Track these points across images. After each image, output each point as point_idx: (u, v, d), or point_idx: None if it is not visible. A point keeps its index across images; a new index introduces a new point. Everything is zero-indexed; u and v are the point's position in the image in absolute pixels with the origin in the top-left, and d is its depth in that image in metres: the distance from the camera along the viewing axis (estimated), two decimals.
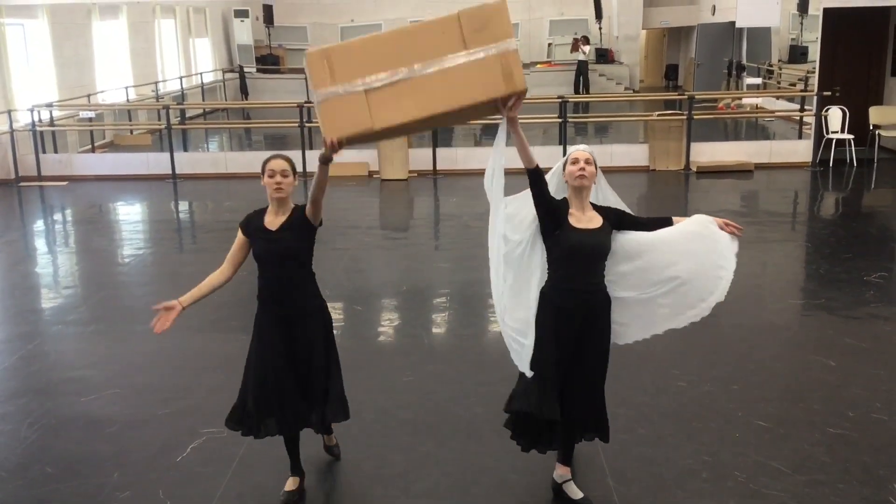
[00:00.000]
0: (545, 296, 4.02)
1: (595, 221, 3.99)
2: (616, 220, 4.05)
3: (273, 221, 4.09)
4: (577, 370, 4.03)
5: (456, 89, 3.54)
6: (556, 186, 4.10)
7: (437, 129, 13.34)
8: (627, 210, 4.14)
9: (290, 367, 4.13)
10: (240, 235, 4.15)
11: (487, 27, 3.53)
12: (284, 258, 4.05)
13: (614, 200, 4.17)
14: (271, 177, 4.01)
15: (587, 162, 3.95)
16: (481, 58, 3.53)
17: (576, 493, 4.23)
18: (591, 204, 4.05)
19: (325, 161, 3.75)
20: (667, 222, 4.12)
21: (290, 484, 4.34)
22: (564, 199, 4.03)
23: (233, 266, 4.17)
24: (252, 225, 4.13)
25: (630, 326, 4.15)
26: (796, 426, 4.91)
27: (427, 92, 3.52)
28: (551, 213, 3.97)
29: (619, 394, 5.30)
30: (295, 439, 4.32)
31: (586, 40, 22.03)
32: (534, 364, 3.95)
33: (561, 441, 4.18)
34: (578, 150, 4.02)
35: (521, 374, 4.04)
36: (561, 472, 4.27)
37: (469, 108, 3.67)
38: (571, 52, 22.35)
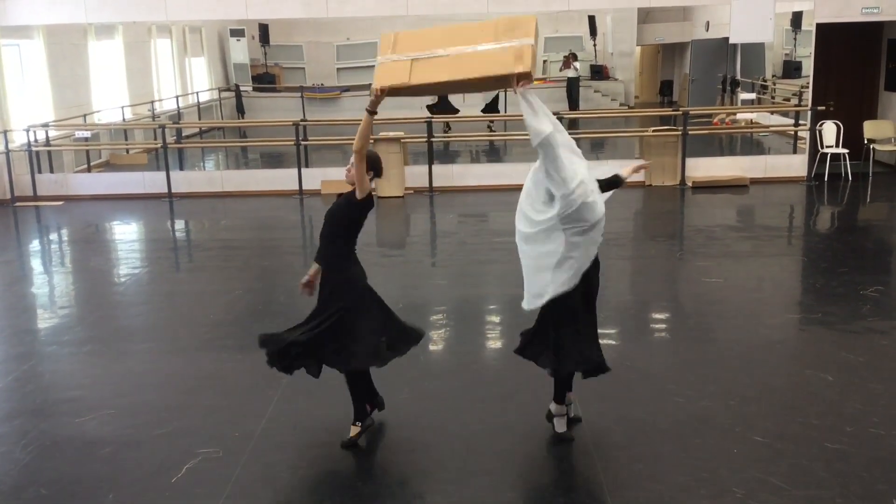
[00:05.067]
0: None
1: None
2: None
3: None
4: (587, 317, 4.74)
5: (477, 63, 4.47)
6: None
7: (433, 147, 13.43)
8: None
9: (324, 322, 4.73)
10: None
11: (516, 30, 4.44)
12: (327, 219, 4.76)
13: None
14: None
15: None
16: (504, 46, 4.41)
17: (561, 426, 4.90)
18: None
19: (371, 111, 4.52)
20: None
21: (352, 430, 4.89)
22: None
23: None
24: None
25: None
26: (794, 441, 4.90)
27: (456, 64, 4.49)
28: None
29: (616, 410, 5.31)
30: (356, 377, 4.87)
31: (575, 57, 22.20)
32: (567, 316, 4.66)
33: (564, 381, 4.87)
34: None
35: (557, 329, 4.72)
36: (557, 407, 4.93)
37: (484, 80, 4.61)
38: (561, 69, 22.52)
